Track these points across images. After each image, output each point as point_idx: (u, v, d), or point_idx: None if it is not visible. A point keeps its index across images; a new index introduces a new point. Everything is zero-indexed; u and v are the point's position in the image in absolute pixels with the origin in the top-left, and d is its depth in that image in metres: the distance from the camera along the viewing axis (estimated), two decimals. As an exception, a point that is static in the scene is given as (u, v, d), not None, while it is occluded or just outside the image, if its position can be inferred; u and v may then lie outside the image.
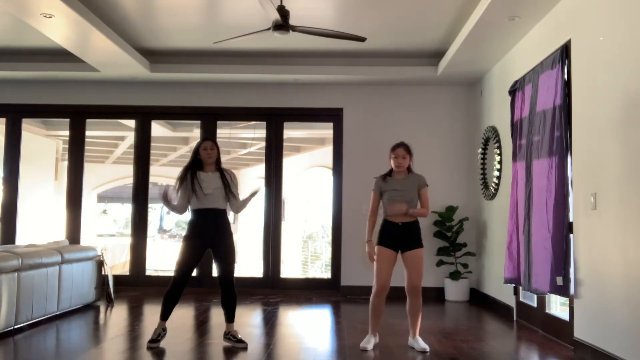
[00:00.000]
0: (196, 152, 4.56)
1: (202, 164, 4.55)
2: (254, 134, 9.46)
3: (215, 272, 4.73)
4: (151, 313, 5.96)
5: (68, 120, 7.88)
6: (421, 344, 4.33)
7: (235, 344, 4.39)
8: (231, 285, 4.45)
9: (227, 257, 4.46)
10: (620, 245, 3.69)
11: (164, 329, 4.48)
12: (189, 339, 4.68)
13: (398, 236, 4.37)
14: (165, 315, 4.47)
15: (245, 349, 4.33)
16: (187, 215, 4.63)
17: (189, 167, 4.54)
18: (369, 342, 4.36)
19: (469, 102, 7.52)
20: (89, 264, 6.10)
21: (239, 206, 4.59)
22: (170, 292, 4.43)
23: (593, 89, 4.10)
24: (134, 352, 4.24)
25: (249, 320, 5.44)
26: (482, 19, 5.07)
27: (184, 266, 4.44)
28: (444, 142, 7.53)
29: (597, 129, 4.03)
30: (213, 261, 4.61)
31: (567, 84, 4.46)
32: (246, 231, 12.92)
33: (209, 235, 4.46)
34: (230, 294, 4.46)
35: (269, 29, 4.87)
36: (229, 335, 4.46)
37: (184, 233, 4.61)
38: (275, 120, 7.79)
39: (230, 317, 4.49)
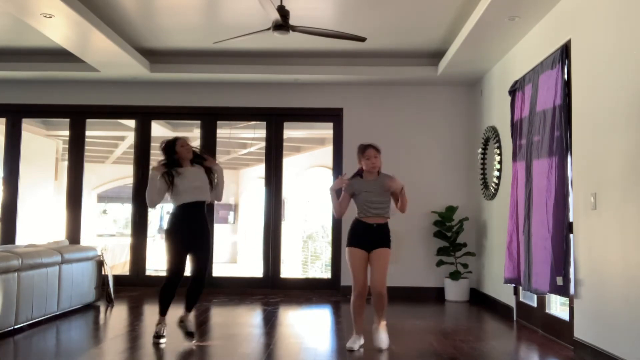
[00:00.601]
0: (172, 151, 4.60)
1: (178, 162, 4.59)
2: (254, 134, 9.46)
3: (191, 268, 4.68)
4: (151, 313, 5.96)
5: (68, 120, 7.88)
6: (382, 338, 4.29)
7: (186, 336, 4.48)
8: (203, 280, 4.59)
9: (204, 256, 4.57)
10: (620, 245, 3.69)
11: (165, 324, 4.56)
12: (189, 339, 4.67)
13: (370, 237, 4.34)
14: (164, 311, 4.54)
15: (192, 338, 4.47)
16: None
17: (166, 165, 4.58)
18: (355, 343, 4.33)
19: (469, 102, 7.52)
20: (89, 264, 6.10)
21: (218, 192, 4.74)
22: (167, 290, 4.49)
23: (593, 89, 4.10)
24: (134, 352, 4.24)
25: (249, 320, 5.44)
26: (482, 19, 5.07)
27: (179, 263, 4.48)
28: (444, 142, 7.52)
29: (597, 129, 4.03)
30: (188, 255, 4.56)
31: (567, 84, 4.46)
32: (246, 231, 12.92)
33: (192, 231, 4.51)
34: (200, 288, 4.58)
35: (269, 29, 4.87)
36: (184, 323, 4.53)
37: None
38: (275, 120, 7.78)
39: (190, 307, 4.59)
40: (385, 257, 4.33)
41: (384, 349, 4.26)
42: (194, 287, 4.55)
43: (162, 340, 4.44)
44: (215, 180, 4.72)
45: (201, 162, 4.70)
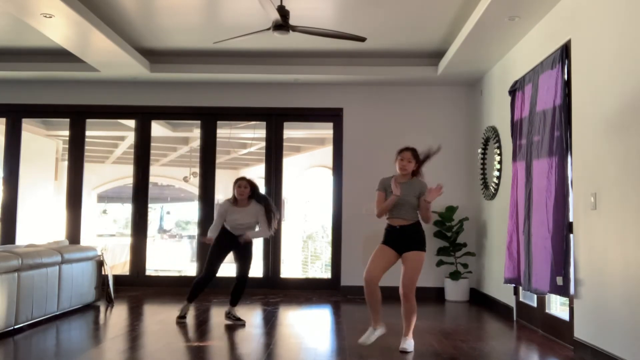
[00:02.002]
0: (233, 188, 5.34)
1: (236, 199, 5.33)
2: (254, 134, 9.46)
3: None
4: (151, 313, 5.97)
5: (68, 120, 7.89)
6: (405, 343, 4.28)
7: (235, 322, 5.24)
8: (245, 279, 5.30)
9: (246, 264, 5.31)
10: (620, 245, 3.69)
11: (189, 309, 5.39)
12: (189, 339, 4.68)
13: (398, 239, 4.38)
14: (192, 299, 5.33)
15: (243, 325, 5.17)
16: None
17: (228, 201, 5.36)
18: (368, 338, 4.34)
19: (469, 102, 7.52)
20: (89, 264, 6.10)
21: (260, 233, 5.40)
22: (201, 284, 5.29)
23: (593, 89, 4.10)
24: (134, 352, 4.24)
25: (249, 320, 5.44)
26: (482, 19, 5.07)
27: (211, 266, 5.27)
28: (444, 142, 7.43)
29: (597, 129, 4.03)
30: (234, 260, 5.42)
31: (567, 84, 4.46)
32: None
33: (235, 247, 5.30)
34: (242, 288, 5.29)
35: (269, 29, 4.87)
36: (230, 314, 5.31)
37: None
38: (275, 120, 7.78)
39: (235, 302, 5.32)
40: (416, 261, 4.34)
41: (409, 351, 4.23)
42: (237, 286, 5.28)
43: (182, 320, 5.24)
44: (268, 222, 5.33)
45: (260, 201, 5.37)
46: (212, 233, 5.32)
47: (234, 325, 5.21)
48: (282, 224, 7.79)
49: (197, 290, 5.31)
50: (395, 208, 4.40)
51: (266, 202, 5.35)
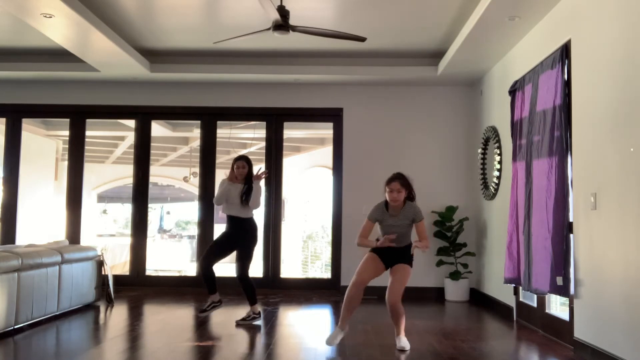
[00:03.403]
0: (232, 167, 5.40)
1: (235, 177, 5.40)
2: (254, 134, 9.46)
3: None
4: (151, 313, 5.96)
5: (68, 120, 7.89)
6: (402, 342, 4.33)
7: (251, 321, 5.27)
8: (243, 278, 5.27)
9: (243, 259, 5.28)
10: (620, 245, 3.69)
11: (215, 301, 5.38)
12: (189, 339, 4.68)
13: (390, 256, 4.44)
14: (210, 290, 5.33)
15: (259, 321, 5.29)
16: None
17: (227, 178, 5.42)
18: (335, 338, 4.37)
19: (469, 102, 7.52)
20: (89, 264, 6.10)
21: (253, 201, 5.29)
22: (202, 274, 5.34)
23: (593, 89, 4.10)
24: (134, 352, 4.24)
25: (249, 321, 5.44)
26: (482, 19, 5.07)
27: (207, 255, 5.34)
28: (444, 142, 7.52)
29: (597, 129, 4.03)
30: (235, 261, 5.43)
31: (567, 84, 4.46)
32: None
33: (235, 239, 5.31)
34: (244, 286, 5.29)
35: (269, 29, 4.87)
36: (250, 312, 5.32)
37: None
38: (275, 120, 7.79)
39: (250, 301, 5.32)
40: (405, 271, 4.39)
41: (407, 350, 4.27)
42: (242, 288, 5.31)
43: (202, 315, 5.38)
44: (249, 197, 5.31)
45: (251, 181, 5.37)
46: (218, 202, 5.42)
47: (244, 323, 5.26)
48: (282, 224, 7.81)
49: (209, 282, 5.33)
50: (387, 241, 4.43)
51: (249, 186, 5.33)
